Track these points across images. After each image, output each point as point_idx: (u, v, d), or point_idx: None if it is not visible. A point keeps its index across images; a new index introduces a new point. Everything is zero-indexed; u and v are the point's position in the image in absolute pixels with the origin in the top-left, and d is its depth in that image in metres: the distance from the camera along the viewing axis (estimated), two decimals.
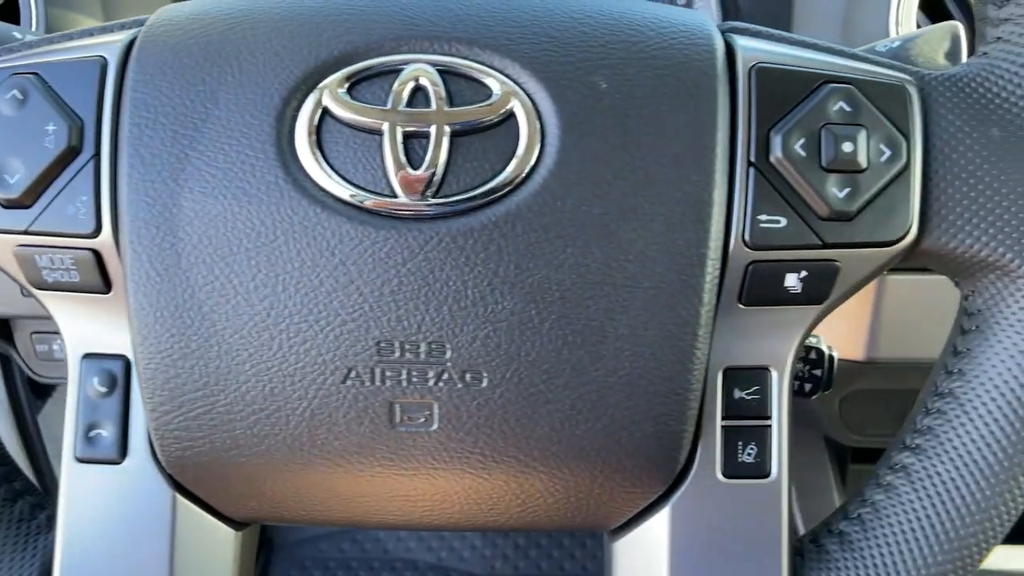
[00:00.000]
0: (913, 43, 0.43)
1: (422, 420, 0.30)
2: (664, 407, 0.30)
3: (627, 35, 0.30)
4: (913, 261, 0.32)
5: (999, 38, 0.31)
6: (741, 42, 0.31)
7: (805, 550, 0.33)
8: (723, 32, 0.33)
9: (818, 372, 0.39)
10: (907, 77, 0.31)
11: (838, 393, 0.76)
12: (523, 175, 0.29)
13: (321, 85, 0.29)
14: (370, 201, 0.29)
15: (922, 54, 0.43)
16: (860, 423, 0.76)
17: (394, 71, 0.29)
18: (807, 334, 0.32)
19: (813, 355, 0.39)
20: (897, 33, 0.56)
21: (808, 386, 0.40)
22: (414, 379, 0.29)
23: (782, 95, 0.30)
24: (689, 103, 0.29)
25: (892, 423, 0.76)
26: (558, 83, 0.29)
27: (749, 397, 0.31)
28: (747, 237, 0.30)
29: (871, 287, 0.66)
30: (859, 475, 0.98)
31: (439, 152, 0.29)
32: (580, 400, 0.29)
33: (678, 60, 0.30)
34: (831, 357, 0.40)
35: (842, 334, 0.67)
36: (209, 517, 0.33)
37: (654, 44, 0.30)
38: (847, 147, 0.29)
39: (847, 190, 0.30)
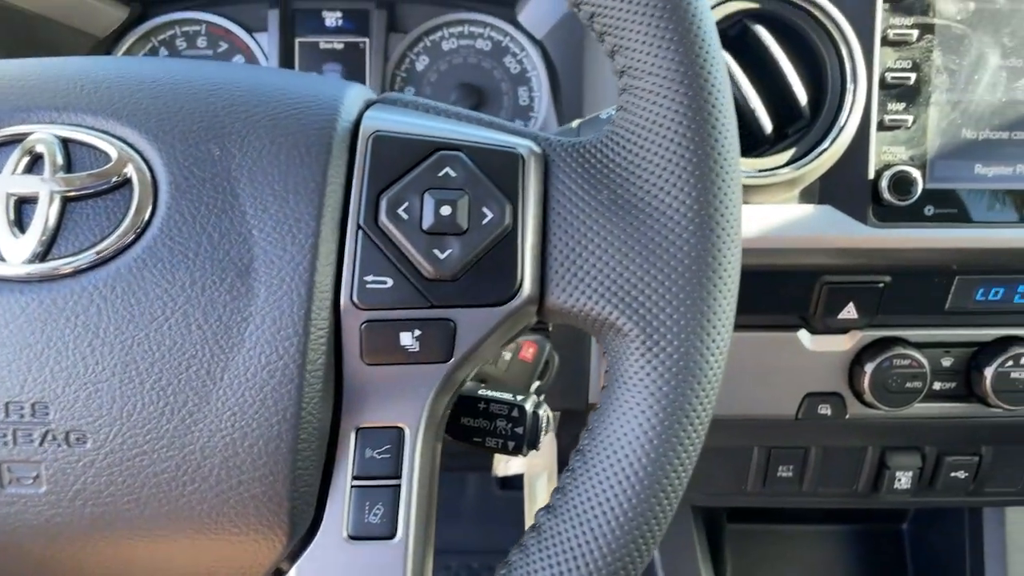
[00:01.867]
0: None
1: (31, 481, 0.30)
2: (269, 468, 0.30)
3: (250, 105, 0.32)
4: (550, 318, 0.33)
5: (621, 107, 0.33)
6: (370, 112, 0.33)
7: None
8: (369, 102, 0.34)
9: (520, 430, 0.39)
10: (528, 144, 0.32)
11: None
12: (130, 239, 0.30)
13: None
14: None
15: None
16: (702, 483, 0.75)
17: (16, 140, 0.31)
18: (441, 392, 0.32)
19: (515, 413, 0.40)
20: None
21: (511, 444, 0.40)
22: (20, 440, 0.29)
23: (395, 161, 0.31)
24: (300, 169, 0.31)
25: (732, 481, 0.76)
26: (173, 150, 0.31)
27: (380, 456, 0.31)
28: (355, 297, 0.31)
29: None
30: (738, 535, 0.97)
31: (47, 217, 0.30)
32: (185, 461, 0.30)
33: (295, 129, 0.31)
34: (535, 415, 0.40)
35: None
36: None
37: (275, 113, 0.32)
38: (445, 210, 0.31)
39: (448, 251, 0.31)
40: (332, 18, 0.78)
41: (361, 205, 0.31)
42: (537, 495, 0.65)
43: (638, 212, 0.31)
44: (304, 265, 0.30)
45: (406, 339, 0.31)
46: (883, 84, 0.55)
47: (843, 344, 0.65)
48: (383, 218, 0.31)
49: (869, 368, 0.64)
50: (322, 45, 0.79)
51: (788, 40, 0.56)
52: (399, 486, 0.31)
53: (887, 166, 0.55)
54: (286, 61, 0.77)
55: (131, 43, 0.77)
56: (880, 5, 0.55)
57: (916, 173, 0.55)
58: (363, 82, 0.78)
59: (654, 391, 0.30)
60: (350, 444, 0.31)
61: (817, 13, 0.55)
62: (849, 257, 0.58)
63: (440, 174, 0.31)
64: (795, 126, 0.56)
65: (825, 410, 0.67)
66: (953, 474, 0.74)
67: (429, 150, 0.31)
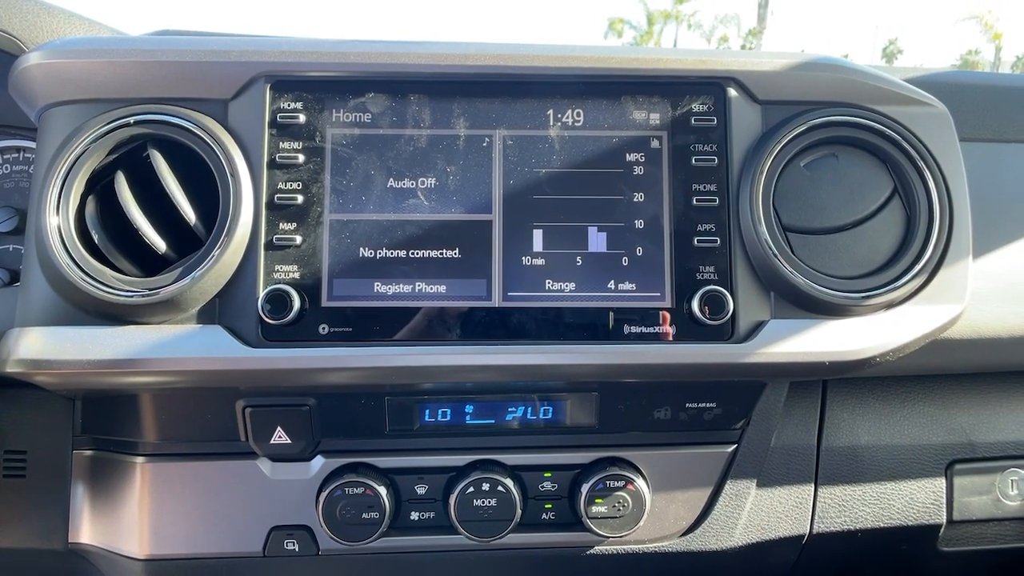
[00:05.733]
0: None
1: None
2: None
3: None
4: None
5: None
6: None
7: None
8: None
9: None
10: None
11: None
12: None
13: None
14: None
15: None
16: None
17: None
18: None
19: None
20: None
21: None
22: None
23: None
24: None
25: None
26: None
27: None
28: None
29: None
30: None
31: None
32: None
33: None
34: None
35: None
36: None
37: None
38: None
39: None
40: None
41: None
42: None
43: None
44: None
45: None
46: (271, 204, 0.55)
47: (306, 472, 0.61)
48: None
49: (323, 498, 0.60)
50: None
51: (198, 163, 0.56)
52: None
53: (276, 284, 0.54)
54: None
55: None
56: (267, 130, 0.56)
57: (294, 292, 0.54)
58: None
59: None
60: None
61: (205, 137, 0.55)
62: (252, 380, 0.55)
63: None
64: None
65: (292, 545, 0.61)
66: None
67: None
